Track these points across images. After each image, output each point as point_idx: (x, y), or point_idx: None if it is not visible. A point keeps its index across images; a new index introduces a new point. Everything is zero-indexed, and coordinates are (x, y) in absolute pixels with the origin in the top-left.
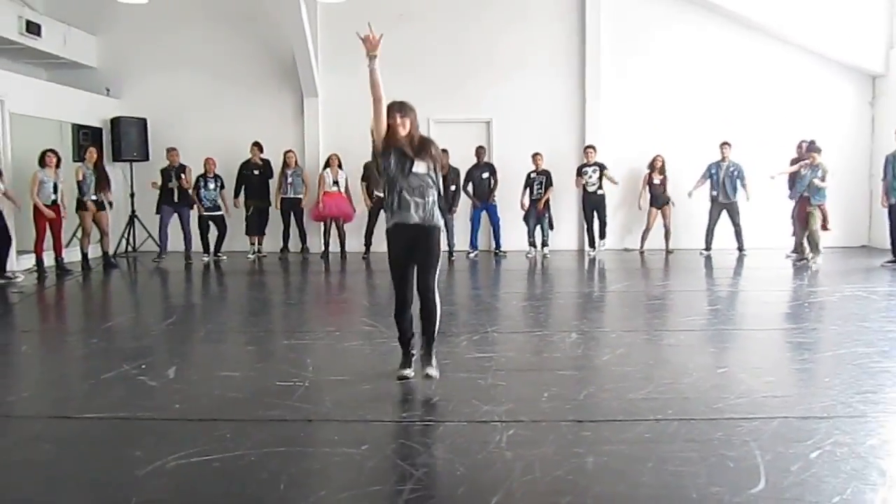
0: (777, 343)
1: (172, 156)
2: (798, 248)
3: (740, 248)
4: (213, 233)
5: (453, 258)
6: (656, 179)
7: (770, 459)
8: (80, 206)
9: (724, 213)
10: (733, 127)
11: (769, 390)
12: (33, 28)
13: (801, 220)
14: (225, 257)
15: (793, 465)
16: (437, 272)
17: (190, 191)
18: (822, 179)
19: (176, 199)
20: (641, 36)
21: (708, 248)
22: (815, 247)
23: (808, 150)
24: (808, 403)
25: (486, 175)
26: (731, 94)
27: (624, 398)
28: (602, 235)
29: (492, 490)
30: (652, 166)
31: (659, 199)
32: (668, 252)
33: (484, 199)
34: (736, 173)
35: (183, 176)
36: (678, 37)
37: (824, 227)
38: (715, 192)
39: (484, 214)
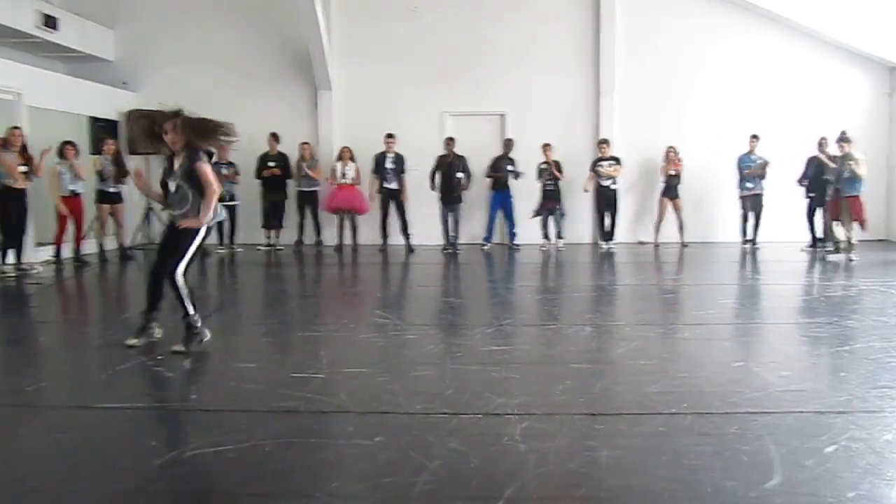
0: (793, 337)
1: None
2: (829, 237)
3: (753, 241)
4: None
5: (459, 251)
6: (671, 171)
7: (785, 454)
8: (99, 197)
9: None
10: (749, 119)
11: (785, 385)
12: (50, 22)
13: (833, 212)
14: (240, 249)
15: (808, 459)
16: (181, 258)
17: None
18: (856, 170)
19: None
20: (656, 27)
21: (747, 240)
22: (848, 241)
23: (839, 140)
24: (824, 398)
25: (510, 167)
26: (747, 86)
27: (638, 392)
28: (611, 235)
29: (505, 482)
30: (667, 158)
31: (672, 190)
32: (684, 245)
33: (504, 188)
34: (761, 164)
35: None
36: (694, 28)
37: (858, 222)
38: (751, 185)
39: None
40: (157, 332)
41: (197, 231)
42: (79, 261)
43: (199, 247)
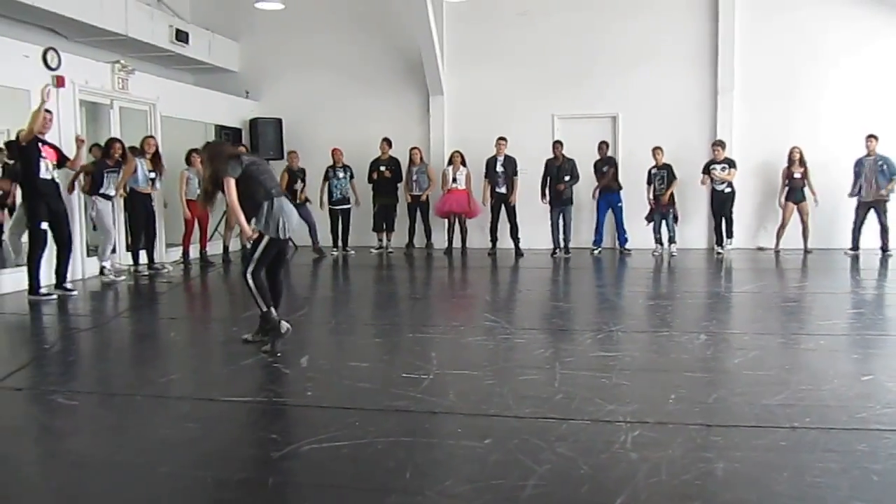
0: None
1: (292, 158)
2: None
3: (884, 249)
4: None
5: (569, 255)
6: (796, 173)
7: None
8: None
9: (872, 212)
10: (878, 119)
11: None
12: (182, 36)
13: None
14: (353, 252)
15: None
16: (249, 260)
17: (306, 196)
18: None
19: (297, 201)
20: (778, 21)
21: (855, 247)
22: None
23: None
24: None
25: (605, 168)
26: (875, 84)
27: (757, 403)
28: (729, 235)
29: (616, 491)
30: (790, 159)
31: (797, 193)
32: (807, 251)
33: (609, 191)
34: (884, 167)
35: (303, 185)
36: (819, 21)
37: None
38: (860, 190)
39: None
40: (284, 326)
41: (260, 239)
42: (205, 261)
43: (266, 251)
